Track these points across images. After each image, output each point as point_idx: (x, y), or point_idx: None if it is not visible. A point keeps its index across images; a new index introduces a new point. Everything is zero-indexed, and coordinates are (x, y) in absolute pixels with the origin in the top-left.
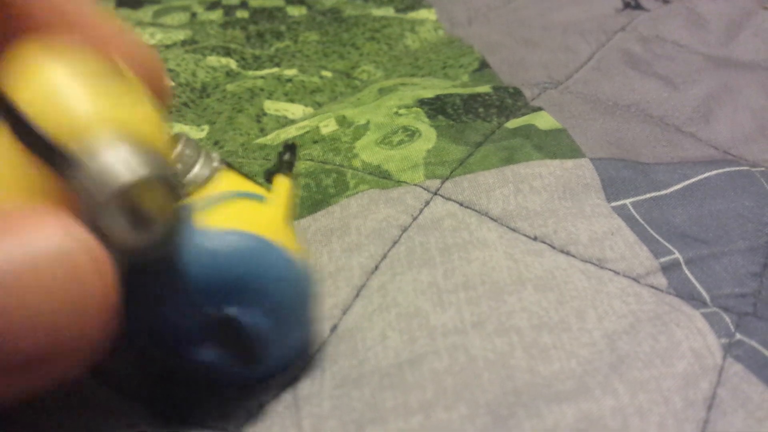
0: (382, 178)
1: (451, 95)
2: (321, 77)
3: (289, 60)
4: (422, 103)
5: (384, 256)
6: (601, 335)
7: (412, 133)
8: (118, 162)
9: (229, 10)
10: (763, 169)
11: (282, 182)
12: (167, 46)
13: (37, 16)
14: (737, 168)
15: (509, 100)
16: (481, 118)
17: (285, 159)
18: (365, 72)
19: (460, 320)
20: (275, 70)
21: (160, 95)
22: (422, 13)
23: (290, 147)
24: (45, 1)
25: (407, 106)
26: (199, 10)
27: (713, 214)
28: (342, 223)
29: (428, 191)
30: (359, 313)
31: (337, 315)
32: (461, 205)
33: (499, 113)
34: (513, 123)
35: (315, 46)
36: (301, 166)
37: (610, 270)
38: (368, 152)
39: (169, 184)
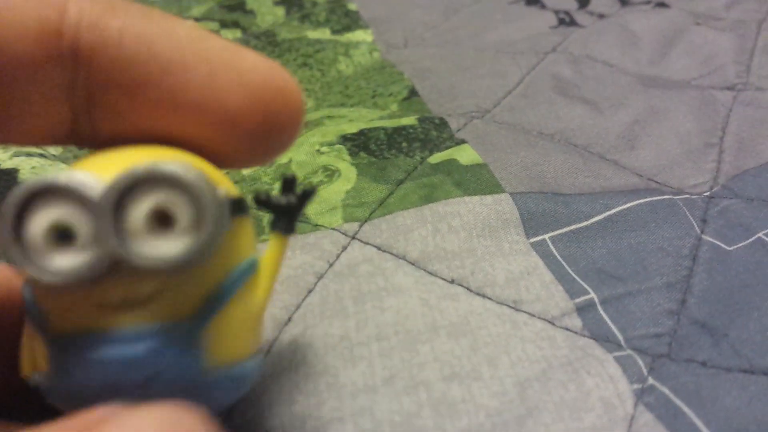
0: (299, 222)
1: (375, 129)
2: None
3: None
4: (345, 139)
5: (298, 307)
6: (513, 383)
7: (331, 173)
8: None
9: None
10: (686, 196)
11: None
12: None
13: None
14: (660, 197)
15: (434, 132)
16: (404, 153)
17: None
18: None
19: (370, 375)
20: None
21: (289, 118)
22: (358, 35)
23: (290, 181)
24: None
25: (330, 144)
26: None
27: (632, 247)
28: None
29: (346, 235)
30: (267, 372)
31: None
32: (379, 249)
33: (422, 147)
34: (435, 158)
35: None
36: None
37: (525, 312)
38: None
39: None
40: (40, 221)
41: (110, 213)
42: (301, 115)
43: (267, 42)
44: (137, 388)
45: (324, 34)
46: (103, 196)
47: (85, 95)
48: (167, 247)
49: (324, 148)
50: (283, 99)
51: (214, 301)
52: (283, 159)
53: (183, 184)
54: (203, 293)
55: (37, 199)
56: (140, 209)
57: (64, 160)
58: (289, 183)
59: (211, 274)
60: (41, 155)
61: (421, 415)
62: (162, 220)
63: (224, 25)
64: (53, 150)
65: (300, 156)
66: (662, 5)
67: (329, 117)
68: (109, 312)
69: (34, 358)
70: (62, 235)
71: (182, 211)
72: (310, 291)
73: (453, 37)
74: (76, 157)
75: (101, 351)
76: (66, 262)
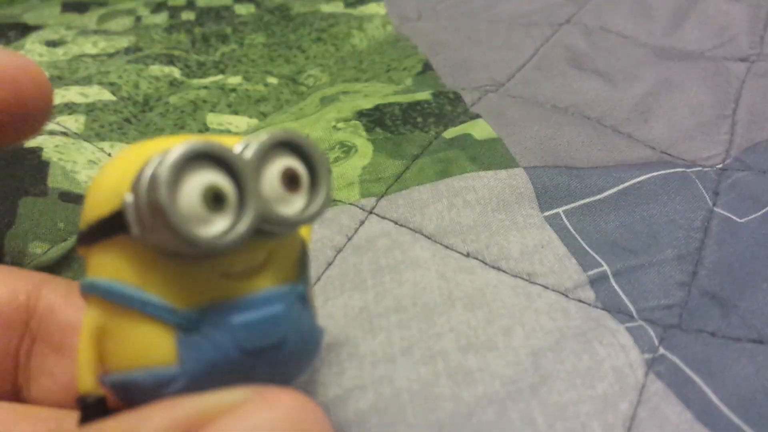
0: None
1: (390, 105)
2: (266, 84)
3: (234, 66)
4: (361, 115)
5: (318, 279)
6: (527, 353)
7: (348, 149)
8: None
9: (174, 12)
10: (699, 169)
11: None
12: (110, 55)
13: None
14: (673, 170)
15: (448, 107)
16: (419, 128)
17: None
18: (311, 77)
19: (389, 346)
20: (219, 77)
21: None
22: (371, 7)
23: None
24: None
25: (345, 120)
26: (144, 12)
27: (645, 220)
28: None
29: (363, 210)
30: None
31: None
32: (396, 223)
33: (437, 122)
34: (450, 132)
35: (261, 49)
36: None
37: (539, 285)
38: None
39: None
40: (193, 186)
41: (257, 174)
42: (50, 93)
43: (281, 16)
44: (273, 351)
45: (337, 7)
46: (254, 155)
47: None
48: (294, 207)
49: (340, 124)
50: (36, 83)
51: (304, 265)
52: None
53: (309, 150)
54: (295, 259)
55: (186, 164)
56: (273, 172)
57: (87, 138)
58: None
59: (296, 242)
60: (63, 133)
61: (438, 383)
62: (286, 184)
63: (237, 0)
64: (75, 128)
65: (317, 132)
66: None
67: (344, 93)
68: (233, 281)
69: (126, 357)
70: (212, 201)
71: (304, 175)
72: (329, 264)
73: (466, 9)
74: (98, 135)
75: (243, 315)
76: (216, 227)
